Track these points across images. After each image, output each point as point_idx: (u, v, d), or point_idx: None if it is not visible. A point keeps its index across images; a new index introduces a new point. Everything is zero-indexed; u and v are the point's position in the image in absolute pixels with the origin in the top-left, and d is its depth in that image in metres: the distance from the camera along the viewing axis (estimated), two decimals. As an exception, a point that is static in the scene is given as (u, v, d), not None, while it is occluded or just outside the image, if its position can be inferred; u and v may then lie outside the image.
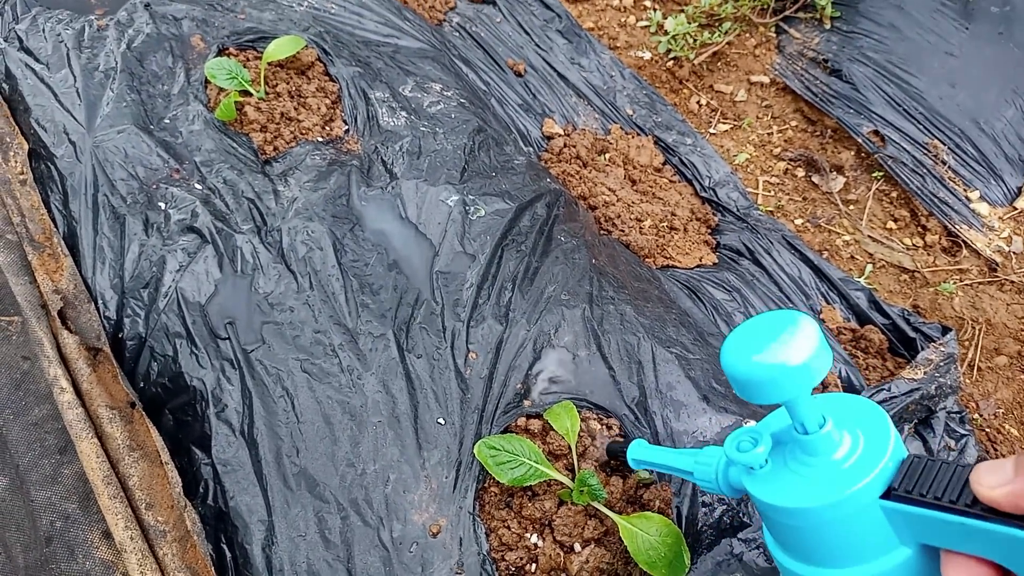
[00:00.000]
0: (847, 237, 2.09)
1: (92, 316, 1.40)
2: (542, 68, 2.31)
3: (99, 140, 1.55)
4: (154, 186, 1.50)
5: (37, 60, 1.70)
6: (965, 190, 2.10)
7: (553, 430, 1.22)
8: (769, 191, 2.20)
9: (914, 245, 2.07)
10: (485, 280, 1.39)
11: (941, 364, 1.59)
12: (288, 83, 1.73)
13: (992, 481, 0.52)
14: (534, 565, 1.14)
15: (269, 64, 1.72)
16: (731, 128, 2.35)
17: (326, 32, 1.86)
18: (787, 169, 2.25)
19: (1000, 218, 2.08)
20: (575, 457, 1.19)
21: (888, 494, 0.60)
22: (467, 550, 1.13)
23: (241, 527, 1.15)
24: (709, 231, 2.03)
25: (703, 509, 1.18)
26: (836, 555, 0.63)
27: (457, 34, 2.31)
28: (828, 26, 2.40)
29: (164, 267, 1.39)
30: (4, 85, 1.72)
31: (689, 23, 2.43)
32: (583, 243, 1.54)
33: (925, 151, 2.13)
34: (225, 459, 1.20)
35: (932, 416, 1.57)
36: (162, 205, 1.47)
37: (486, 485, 1.20)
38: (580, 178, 1.94)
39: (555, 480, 1.16)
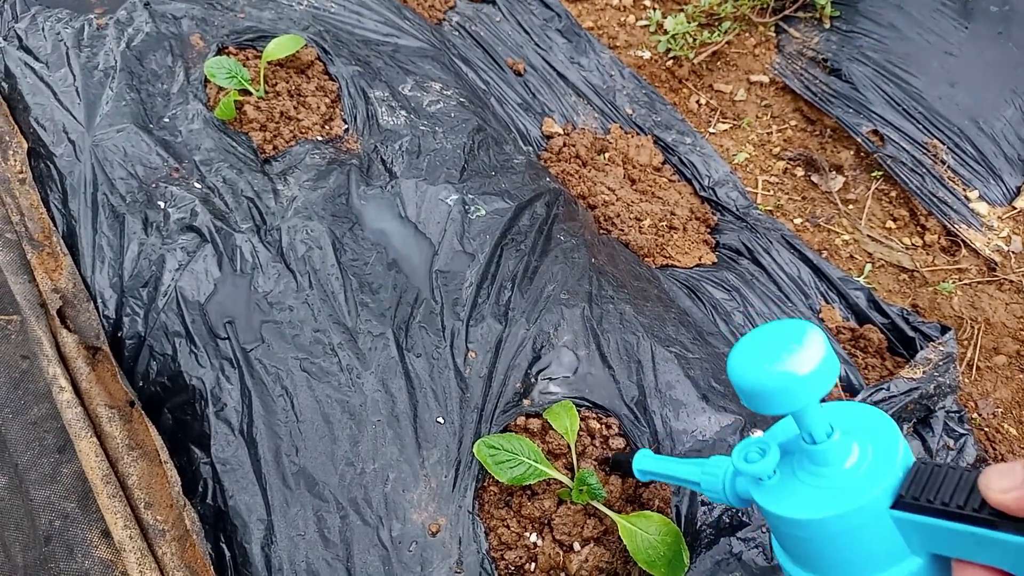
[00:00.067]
0: (846, 236, 2.09)
1: (91, 315, 1.40)
2: (541, 67, 2.31)
3: (98, 139, 1.55)
4: (153, 185, 1.50)
5: (36, 59, 1.70)
6: (964, 190, 2.10)
7: (552, 429, 1.22)
8: (768, 190, 2.20)
9: (913, 244, 2.07)
10: (484, 279, 1.39)
11: (940, 363, 1.59)
12: (288, 82, 1.73)
13: (1002, 485, 0.51)
14: (533, 564, 1.14)
15: (269, 63, 1.72)
16: (730, 127, 2.35)
17: (326, 31, 1.86)
18: (786, 168, 2.25)
19: (999, 218, 2.08)
20: (574, 456, 1.20)
21: (897, 501, 0.60)
22: (466, 549, 1.13)
23: (240, 526, 1.15)
24: (708, 230, 2.03)
25: (702, 508, 1.18)
26: (847, 566, 0.63)
27: (457, 33, 2.31)
28: (828, 25, 2.40)
29: (163, 266, 1.39)
30: (3, 84, 1.72)
31: (689, 22, 2.43)
32: (582, 242, 1.54)
33: (924, 151, 2.13)
34: (224, 458, 1.20)
35: (931, 415, 1.57)
36: (161, 204, 1.47)
37: (485, 484, 1.20)
38: (579, 177, 1.94)
39: (554, 479, 1.16)
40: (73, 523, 1.27)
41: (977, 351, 1.85)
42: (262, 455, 1.20)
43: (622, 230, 1.84)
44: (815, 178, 2.21)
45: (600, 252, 1.59)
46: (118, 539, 1.16)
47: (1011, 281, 1.96)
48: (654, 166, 2.15)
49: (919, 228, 2.09)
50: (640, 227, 1.87)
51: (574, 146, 2.06)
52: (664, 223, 1.93)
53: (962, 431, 1.57)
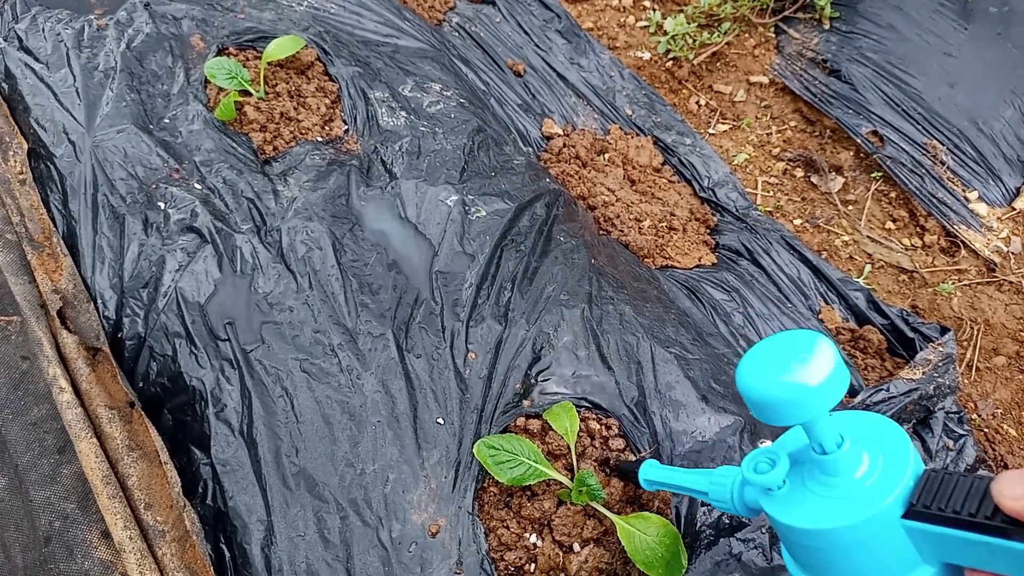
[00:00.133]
0: (846, 237, 2.09)
1: (91, 316, 1.40)
2: (541, 68, 2.31)
3: (99, 140, 1.55)
4: (154, 186, 1.51)
5: (37, 59, 1.70)
6: (964, 190, 2.10)
7: (552, 430, 1.22)
8: (768, 191, 2.20)
9: (913, 245, 2.07)
10: (484, 280, 1.39)
11: (940, 364, 1.59)
12: (288, 83, 1.73)
13: (1015, 492, 0.51)
14: (533, 565, 1.14)
15: (269, 64, 1.72)
16: (730, 128, 2.35)
17: (326, 32, 1.86)
18: (786, 169, 2.25)
19: (998, 218, 2.08)
20: (574, 457, 1.20)
21: (908, 510, 0.59)
22: (466, 550, 1.13)
23: (240, 527, 1.15)
24: (708, 231, 2.03)
25: (702, 509, 1.18)
26: (859, 575, 0.63)
27: (456, 34, 2.31)
28: (827, 26, 2.40)
29: (163, 267, 1.39)
30: (4, 84, 1.72)
31: (688, 23, 2.43)
32: (582, 243, 1.54)
33: (924, 151, 2.13)
34: (224, 459, 1.20)
35: (931, 416, 1.57)
36: (161, 205, 1.47)
37: (485, 485, 1.20)
38: (579, 178, 1.94)
39: (554, 480, 1.16)
40: (73, 524, 1.27)
41: (976, 352, 1.85)
42: (262, 456, 1.20)
43: (622, 231, 1.84)
44: (815, 179, 2.21)
45: (600, 253, 1.59)
46: (118, 540, 1.16)
47: (1010, 282, 1.97)
48: (654, 167, 2.15)
49: (918, 229, 2.09)
50: (640, 228, 1.87)
51: (574, 147, 2.06)
52: (664, 224, 1.93)
53: (962, 432, 1.57)
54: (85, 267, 1.45)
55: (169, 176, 1.52)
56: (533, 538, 1.16)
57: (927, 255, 2.04)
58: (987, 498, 0.54)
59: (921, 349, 1.70)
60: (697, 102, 2.40)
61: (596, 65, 2.37)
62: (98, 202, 1.49)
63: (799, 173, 2.24)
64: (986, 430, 1.72)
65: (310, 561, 1.12)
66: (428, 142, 1.62)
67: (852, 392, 1.59)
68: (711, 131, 2.34)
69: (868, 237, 2.09)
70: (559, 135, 2.12)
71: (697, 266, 1.86)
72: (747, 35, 2.48)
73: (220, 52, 1.75)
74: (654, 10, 2.58)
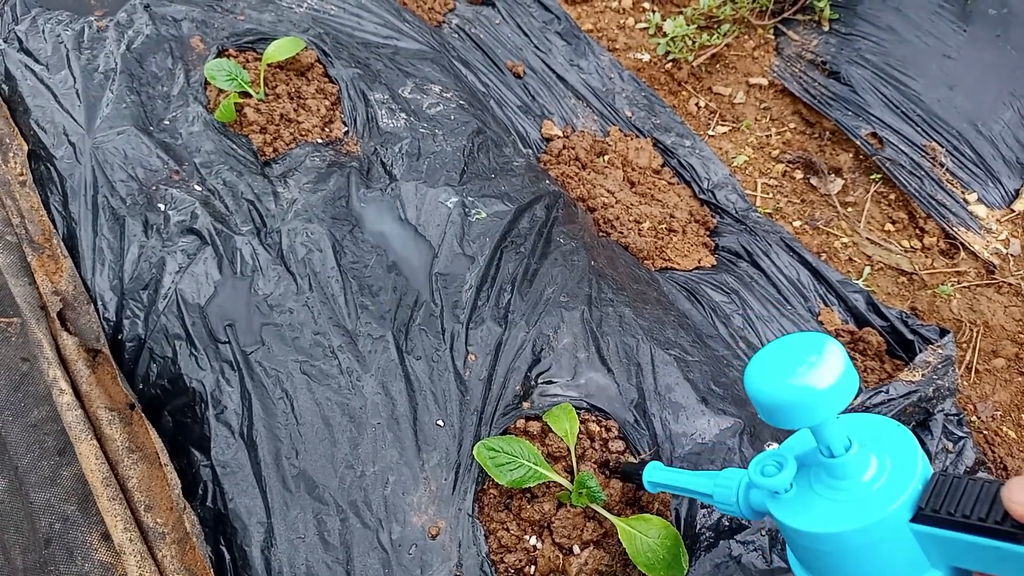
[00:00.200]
0: (845, 239, 2.09)
1: (91, 318, 1.40)
2: (541, 70, 2.31)
3: (99, 141, 1.56)
4: (154, 187, 1.51)
5: (37, 61, 1.70)
6: (963, 192, 2.10)
7: (552, 432, 1.22)
8: (767, 193, 2.20)
9: (912, 247, 2.08)
10: (484, 282, 1.40)
11: (939, 366, 1.59)
12: (288, 84, 1.73)
13: None
14: (533, 567, 1.14)
15: (269, 65, 1.72)
16: (730, 130, 2.35)
17: (325, 33, 1.86)
18: (785, 171, 2.25)
19: (998, 220, 2.08)
20: (574, 459, 1.20)
21: (917, 514, 0.59)
22: (466, 552, 1.13)
23: (240, 529, 1.15)
24: (708, 233, 2.03)
25: (702, 511, 1.18)
26: None
27: (456, 36, 2.31)
28: (826, 28, 2.40)
29: (164, 268, 1.39)
30: (4, 86, 1.72)
31: (688, 25, 2.44)
32: (582, 245, 1.54)
33: (923, 153, 2.13)
34: (224, 461, 1.20)
35: (930, 418, 1.57)
36: (162, 206, 1.47)
37: (485, 487, 1.20)
38: (579, 180, 1.95)
39: (554, 482, 1.16)
40: (73, 526, 1.27)
41: (976, 354, 1.86)
42: (262, 458, 1.20)
43: (621, 232, 1.84)
44: (814, 181, 2.21)
45: (599, 255, 1.59)
46: (118, 542, 1.16)
47: (1010, 284, 1.97)
48: (653, 169, 2.15)
49: (918, 231, 2.09)
50: (639, 230, 1.88)
51: (573, 148, 2.06)
52: (663, 226, 1.93)
53: (961, 434, 1.57)
54: (85, 269, 1.45)
55: (169, 178, 1.53)
56: (533, 540, 1.16)
57: (926, 257, 2.05)
58: (997, 503, 0.54)
59: (920, 351, 1.70)
60: (696, 104, 2.40)
61: (596, 67, 2.37)
62: (98, 204, 1.49)
63: (798, 175, 2.24)
64: (985, 432, 1.72)
65: (310, 563, 1.12)
66: (428, 144, 1.63)
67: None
68: (710, 133, 2.34)
69: (867, 239, 2.09)
70: (559, 137, 2.12)
71: (697, 268, 1.86)
72: (746, 37, 2.48)
73: (220, 54, 1.75)
74: (653, 12, 2.58)
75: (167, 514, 1.21)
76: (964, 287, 1.98)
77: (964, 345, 1.88)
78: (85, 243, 1.47)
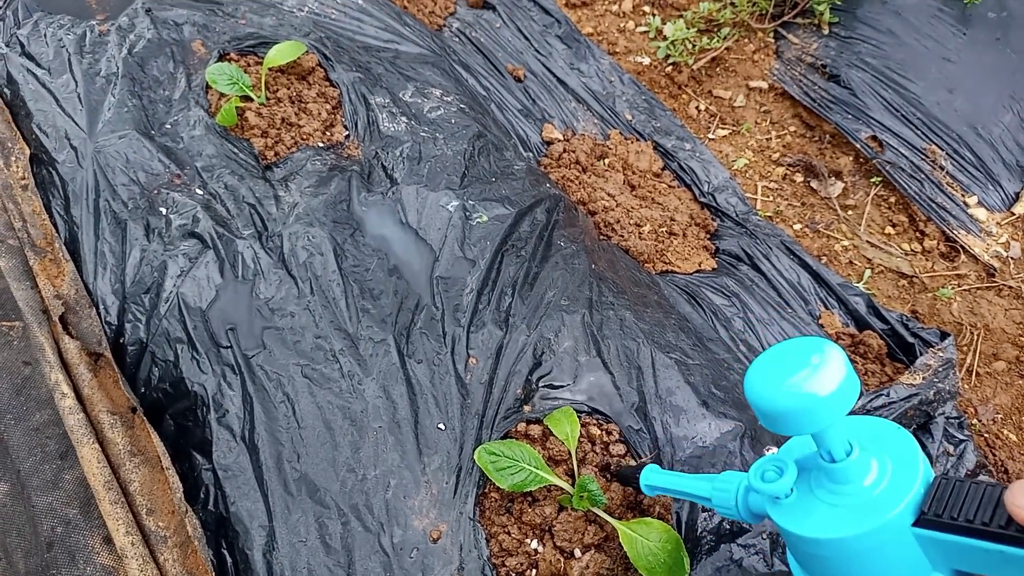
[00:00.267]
0: (845, 242, 2.10)
1: (93, 321, 1.40)
2: (542, 73, 2.31)
3: (100, 145, 1.56)
4: (155, 191, 1.51)
5: (39, 65, 1.71)
6: (963, 195, 2.11)
7: (553, 435, 1.22)
8: (768, 196, 2.21)
9: (912, 250, 2.08)
10: (485, 285, 1.40)
11: (940, 369, 1.59)
12: (289, 88, 1.73)
13: None
14: (534, 571, 1.14)
15: (270, 69, 1.72)
16: (730, 133, 2.35)
17: (326, 37, 1.86)
18: (786, 174, 2.25)
19: (998, 223, 2.08)
20: (575, 462, 1.20)
21: (919, 518, 0.59)
22: (467, 556, 1.13)
23: (242, 532, 1.15)
24: (708, 236, 2.03)
25: (702, 515, 1.18)
26: None
27: (457, 39, 2.32)
28: (826, 32, 2.41)
29: (165, 272, 1.39)
30: (6, 90, 1.73)
31: (688, 28, 2.44)
32: (583, 248, 1.54)
33: (923, 156, 2.14)
34: (226, 464, 1.21)
35: (931, 421, 1.58)
36: (163, 210, 1.48)
37: (486, 491, 1.20)
38: (579, 183, 1.95)
39: (555, 486, 1.16)
40: (75, 529, 1.27)
41: (976, 357, 1.86)
42: (264, 461, 1.20)
43: (622, 236, 1.85)
44: (814, 184, 2.22)
45: (600, 258, 1.59)
46: (120, 545, 1.16)
47: (1010, 287, 1.97)
48: (654, 172, 2.16)
49: (918, 234, 2.10)
50: (640, 233, 1.88)
51: (574, 152, 2.06)
52: (664, 229, 1.94)
53: (962, 437, 1.57)
54: (87, 272, 1.45)
55: (171, 182, 1.53)
56: (534, 544, 1.16)
57: (927, 260, 2.05)
58: (1000, 506, 0.54)
59: (921, 354, 1.71)
60: (697, 107, 2.40)
61: (596, 70, 2.37)
62: (100, 207, 1.50)
63: (799, 178, 2.24)
64: (986, 435, 1.72)
65: (312, 567, 1.12)
66: (429, 147, 1.63)
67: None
68: (711, 136, 2.34)
69: (868, 242, 2.09)
70: (559, 140, 2.13)
71: (697, 271, 1.87)
72: (746, 40, 2.48)
73: (221, 58, 1.75)
74: (654, 15, 2.58)
75: (169, 518, 1.21)
76: (964, 290, 1.98)
77: (965, 348, 1.88)
78: (87, 247, 1.47)
